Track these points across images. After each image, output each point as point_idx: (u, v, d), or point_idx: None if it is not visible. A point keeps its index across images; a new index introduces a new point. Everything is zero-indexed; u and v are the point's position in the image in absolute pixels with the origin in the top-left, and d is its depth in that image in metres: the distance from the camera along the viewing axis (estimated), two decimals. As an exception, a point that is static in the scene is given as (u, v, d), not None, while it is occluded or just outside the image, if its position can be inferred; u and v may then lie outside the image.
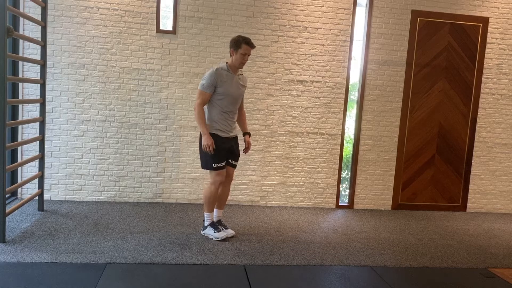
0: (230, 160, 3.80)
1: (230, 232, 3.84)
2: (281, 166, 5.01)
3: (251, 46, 3.63)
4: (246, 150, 3.94)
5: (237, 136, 3.87)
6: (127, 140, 4.74)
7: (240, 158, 4.78)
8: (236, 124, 3.87)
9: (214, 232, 3.76)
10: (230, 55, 3.68)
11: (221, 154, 3.69)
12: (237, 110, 3.80)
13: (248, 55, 3.66)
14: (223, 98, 3.63)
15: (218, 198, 3.82)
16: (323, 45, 4.93)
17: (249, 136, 3.94)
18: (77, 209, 4.41)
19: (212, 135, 3.65)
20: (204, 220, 3.86)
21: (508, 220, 5.13)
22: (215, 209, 3.88)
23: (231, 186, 4.07)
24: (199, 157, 3.93)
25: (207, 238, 3.77)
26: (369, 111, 5.10)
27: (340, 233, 4.21)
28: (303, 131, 5.00)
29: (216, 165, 3.67)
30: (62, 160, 4.67)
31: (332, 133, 5.05)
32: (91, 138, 4.69)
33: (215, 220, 3.88)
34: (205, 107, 3.69)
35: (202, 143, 3.60)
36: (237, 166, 4.04)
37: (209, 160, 3.67)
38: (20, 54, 4.51)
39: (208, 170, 3.75)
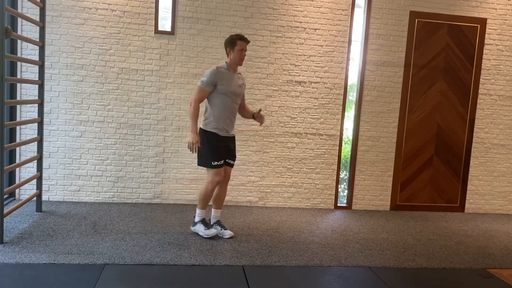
0: (227, 160, 3.81)
1: (228, 233, 3.84)
2: (280, 167, 5.01)
3: (246, 41, 3.70)
4: (261, 119, 3.90)
5: (234, 136, 3.88)
6: (126, 141, 4.74)
7: (238, 158, 4.79)
8: (235, 124, 3.87)
9: (204, 229, 3.77)
10: (228, 55, 3.73)
11: (220, 152, 3.70)
12: (237, 109, 3.83)
13: (245, 51, 3.71)
14: (224, 96, 3.65)
15: (215, 198, 3.83)
16: (322, 46, 4.94)
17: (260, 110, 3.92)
18: (76, 210, 4.40)
19: (211, 134, 3.67)
20: (195, 216, 3.87)
21: (506, 220, 5.14)
22: (213, 210, 3.89)
23: (229, 186, 4.10)
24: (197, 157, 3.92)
25: (206, 238, 3.77)
26: (367, 112, 5.10)
27: (338, 233, 4.21)
28: (302, 132, 5.01)
29: (215, 163, 3.66)
30: (61, 161, 4.66)
31: (331, 134, 5.05)
32: (89, 139, 4.68)
33: (214, 220, 3.89)
34: (207, 105, 3.72)
35: (188, 140, 3.63)
36: (236, 167, 4.04)
37: (208, 157, 3.67)
38: (18, 55, 4.50)
39: (205, 169, 3.75)
